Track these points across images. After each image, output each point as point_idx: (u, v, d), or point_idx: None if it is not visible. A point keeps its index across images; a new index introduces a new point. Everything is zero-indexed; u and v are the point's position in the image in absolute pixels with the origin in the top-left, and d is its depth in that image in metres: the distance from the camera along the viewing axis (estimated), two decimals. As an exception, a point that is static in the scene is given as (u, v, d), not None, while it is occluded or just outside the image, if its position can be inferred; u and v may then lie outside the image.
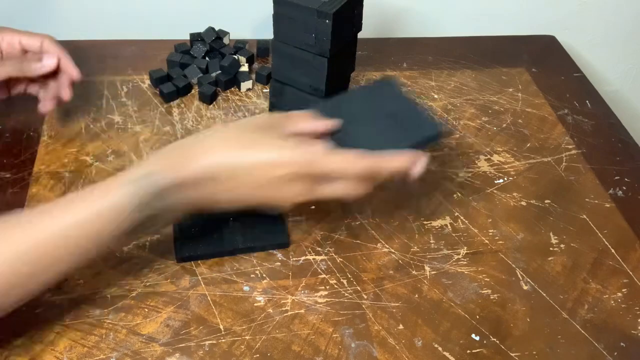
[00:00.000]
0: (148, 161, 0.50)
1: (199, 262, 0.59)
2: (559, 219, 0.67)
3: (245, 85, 0.79)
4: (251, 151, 0.50)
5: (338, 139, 0.55)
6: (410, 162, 0.52)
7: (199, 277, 0.58)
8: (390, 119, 0.58)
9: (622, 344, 0.56)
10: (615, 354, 0.56)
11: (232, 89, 0.80)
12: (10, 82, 0.66)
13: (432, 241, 0.63)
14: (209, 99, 0.77)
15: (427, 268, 0.61)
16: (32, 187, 0.64)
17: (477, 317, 0.57)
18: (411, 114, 0.59)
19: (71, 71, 0.65)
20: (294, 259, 0.60)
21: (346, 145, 0.52)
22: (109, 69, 0.81)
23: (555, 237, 0.65)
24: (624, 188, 0.72)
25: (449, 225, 0.65)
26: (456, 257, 0.62)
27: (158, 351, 0.52)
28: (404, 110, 0.59)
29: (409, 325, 0.56)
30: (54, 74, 0.66)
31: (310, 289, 0.58)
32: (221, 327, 0.54)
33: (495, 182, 0.71)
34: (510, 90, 0.86)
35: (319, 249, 0.61)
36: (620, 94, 1.17)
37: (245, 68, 0.81)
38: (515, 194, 0.70)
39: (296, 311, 0.56)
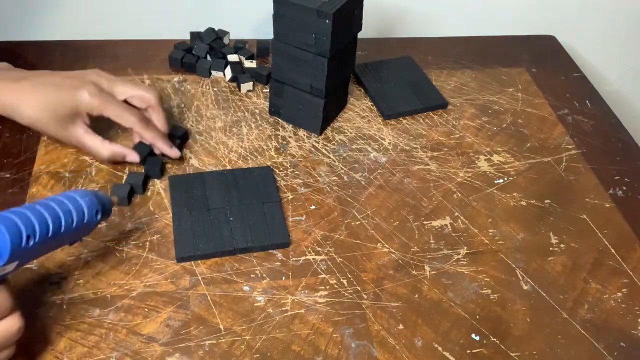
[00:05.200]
0: None
1: (199, 262, 0.59)
2: (559, 219, 0.67)
3: (246, 86, 0.79)
4: None
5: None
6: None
7: (199, 277, 0.58)
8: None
9: (622, 344, 0.56)
10: (615, 354, 0.56)
11: (232, 89, 0.80)
12: None
13: (432, 241, 0.63)
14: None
15: (427, 268, 0.61)
16: (32, 187, 0.64)
17: (477, 317, 0.57)
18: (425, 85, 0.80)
19: (167, 152, 0.67)
20: (294, 259, 0.60)
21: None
22: (109, 69, 0.80)
23: (555, 237, 0.65)
24: (624, 188, 0.72)
25: (449, 225, 0.65)
26: (456, 257, 0.62)
27: (158, 351, 0.52)
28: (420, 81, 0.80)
29: (409, 325, 0.56)
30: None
31: (310, 289, 0.58)
32: (221, 327, 0.54)
33: (495, 182, 0.71)
34: (510, 90, 0.86)
35: (319, 249, 0.61)
36: (620, 94, 1.17)
37: (249, 64, 0.81)
38: (515, 194, 0.70)
39: (296, 311, 0.56)
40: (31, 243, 0.44)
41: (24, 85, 0.61)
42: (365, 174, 0.70)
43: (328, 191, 0.67)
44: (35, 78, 0.62)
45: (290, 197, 0.66)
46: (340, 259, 0.61)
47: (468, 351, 0.54)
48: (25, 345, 0.51)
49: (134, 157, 0.65)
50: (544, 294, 0.60)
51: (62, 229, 0.47)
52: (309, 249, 0.61)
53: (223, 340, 0.53)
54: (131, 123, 0.63)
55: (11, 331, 0.46)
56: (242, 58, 0.82)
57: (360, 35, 0.73)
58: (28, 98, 0.60)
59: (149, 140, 0.65)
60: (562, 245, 0.65)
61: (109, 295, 0.55)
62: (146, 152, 0.65)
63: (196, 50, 0.82)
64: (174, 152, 0.66)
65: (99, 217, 0.52)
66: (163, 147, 0.66)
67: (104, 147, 0.64)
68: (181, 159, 0.69)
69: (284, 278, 0.58)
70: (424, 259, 0.62)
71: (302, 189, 0.67)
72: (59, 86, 0.61)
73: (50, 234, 0.46)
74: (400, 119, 0.78)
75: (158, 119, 0.66)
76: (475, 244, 0.64)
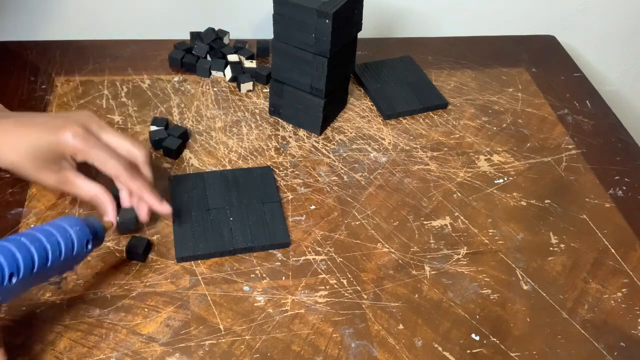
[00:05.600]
0: None
1: (199, 262, 0.59)
2: (559, 219, 0.67)
3: (246, 86, 0.79)
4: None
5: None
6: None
7: (199, 277, 0.58)
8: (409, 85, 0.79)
9: (622, 344, 0.56)
10: (615, 354, 0.56)
11: (232, 89, 0.80)
12: None
13: (432, 241, 0.63)
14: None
15: (427, 268, 0.61)
16: (32, 187, 0.64)
17: (477, 317, 0.57)
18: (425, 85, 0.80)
19: (149, 212, 0.58)
20: (294, 259, 0.60)
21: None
22: (109, 69, 0.81)
23: (555, 237, 0.65)
24: (624, 188, 0.72)
25: (449, 225, 0.65)
26: (456, 257, 0.62)
27: (158, 351, 0.52)
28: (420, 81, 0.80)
29: (409, 325, 0.56)
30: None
31: (310, 289, 0.58)
32: (221, 327, 0.54)
33: (495, 182, 0.71)
34: (510, 90, 0.86)
35: (319, 249, 0.61)
36: (620, 94, 1.17)
37: (249, 64, 0.81)
38: (515, 194, 0.70)
39: (296, 311, 0.56)
40: (14, 281, 0.42)
41: (6, 124, 0.54)
42: (365, 174, 0.70)
43: (328, 191, 0.67)
44: (19, 118, 0.55)
45: (290, 197, 0.66)
46: (340, 259, 0.61)
47: (468, 351, 0.54)
48: (25, 345, 0.51)
49: (111, 216, 0.56)
50: (544, 294, 0.60)
51: (49, 263, 0.45)
52: (309, 249, 0.61)
53: (223, 340, 0.53)
54: (117, 171, 0.55)
55: None
56: (242, 58, 0.82)
57: (360, 35, 0.73)
58: (8, 139, 0.53)
59: (135, 190, 0.56)
60: (562, 245, 0.65)
61: (109, 295, 0.55)
62: (131, 221, 0.58)
63: (196, 50, 0.82)
64: (164, 208, 0.58)
65: (89, 247, 0.49)
66: (151, 200, 0.57)
67: (90, 187, 0.56)
68: (181, 159, 0.69)
69: (284, 278, 0.58)
70: (424, 259, 0.62)
71: (302, 189, 0.67)
72: (42, 126, 0.54)
73: (35, 270, 0.43)
74: (400, 119, 0.78)
75: (145, 173, 0.58)
76: (475, 244, 0.64)
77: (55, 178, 0.54)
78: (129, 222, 0.58)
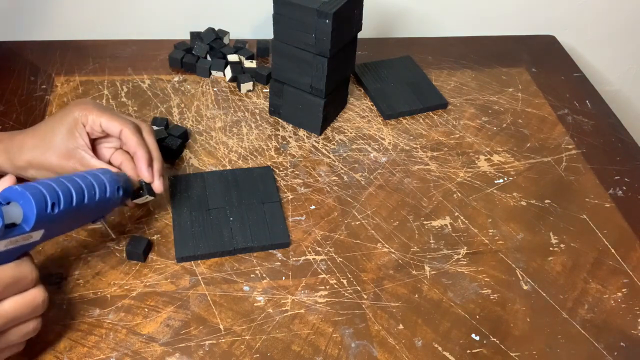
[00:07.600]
0: None
1: (199, 262, 0.59)
2: (559, 219, 0.67)
3: (246, 86, 0.79)
4: None
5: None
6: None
7: (199, 277, 0.58)
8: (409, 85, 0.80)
9: (622, 344, 0.56)
10: (615, 354, 0.56)
11: (232, 89, 0.80)
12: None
13: (432, 241, 0.63)
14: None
15: (427, 268, 0.61)
16: (32, 187, 0.64)
17: (477, 317, 0.57)
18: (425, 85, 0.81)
19: (142, 173, 0.58)
20: (294, 259, 0.60)
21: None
22: (109, 69, 0.81)
23: (555, 237, 0.65)
24: (624, 188, 0.72)
25: (449, 225, 0.65)
26: (456, 257, 0.62)
27: (158, 351, 0.52)
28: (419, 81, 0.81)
29: (409, 325, 0.56)
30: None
31: (310, 289, 0.58)
32: (221, 327, 0.54)
33: (495, 182, 0.71)
34: (510, 90, 0.86)
35: (319, 249, 0.61)
36: (620, 94, 1.17)
37: (249, 64, 0.81)
38: (515, 194, 0.70)
39: (296, 311, 0.56)
40: (56, 210, 0.46)
41: (20, 132, 0.59)
42: (365, 174, 0.70)
43: (328, 191, 0.67)
44: (29, 129, 0.60)
45: (290, 197, 0.66)
46: (340, 259, 0.61)
47: (468, 351, 0.54)
48: (25, 345, 0.51)
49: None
50: (544, 294, 0.60)
51: (86, 200, 0.49)
52: (309, 249, 0.61)
53: (223, 340, 0.53)
54: (124, 124, 0.57)
55: (37, 302, 0.46)
56: (242, 58, 0.82)
57: (360, 35, 0.73)
58: (27, 139, 0.58)
59: (141, 153, 0.57)
60: (562, 245, 0.65)
61: (109, 295, 0.55)
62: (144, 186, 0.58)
63: (196, 50, 0.82)
64: (158, 184, 0.58)
65: (120, 193, 0.53)
66: (156, 168, 0.58)
67: (104, 165, 0.58)
68: (181, 159, 0.69)
69: (284, 278, 0.58)
70: (424, 259, 0.62)
71: (302, 189, 0.67)
72: (53, 116, 0.59)
73: (74, 204, 0.47)
74: (400, 119, 0.78)
75: (150, 142, 0.60)
76: (475, 244, 0.64)
77: (72, 162, 0.57)
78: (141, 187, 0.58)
